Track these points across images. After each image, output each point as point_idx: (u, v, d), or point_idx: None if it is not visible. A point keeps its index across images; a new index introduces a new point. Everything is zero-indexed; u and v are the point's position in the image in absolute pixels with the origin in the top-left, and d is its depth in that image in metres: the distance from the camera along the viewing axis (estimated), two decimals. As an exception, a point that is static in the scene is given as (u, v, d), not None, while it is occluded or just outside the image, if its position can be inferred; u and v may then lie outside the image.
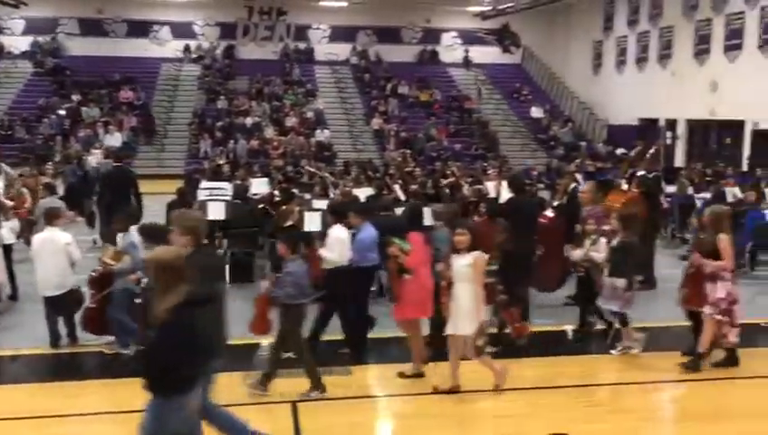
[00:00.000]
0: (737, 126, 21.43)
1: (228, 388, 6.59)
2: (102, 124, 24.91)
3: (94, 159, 19.38)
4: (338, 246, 7.38)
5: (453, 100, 29.49)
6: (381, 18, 31.17)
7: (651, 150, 11.47)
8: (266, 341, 7.67)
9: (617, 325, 7.59)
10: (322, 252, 7.40)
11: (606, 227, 7.91)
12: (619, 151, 23.04)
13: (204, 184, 14.09)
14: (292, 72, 30.05)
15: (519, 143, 27.57)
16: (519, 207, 8.97)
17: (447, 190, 13.36)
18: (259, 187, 13.31)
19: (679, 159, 23.69)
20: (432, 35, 32.26)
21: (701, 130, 23.77)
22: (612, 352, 7.52)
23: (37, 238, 7.83)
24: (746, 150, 20.90)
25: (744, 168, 19.70)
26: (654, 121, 25.25)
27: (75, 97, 26.57)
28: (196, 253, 4.97)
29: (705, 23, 22.71)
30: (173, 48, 30.33)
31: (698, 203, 12.81)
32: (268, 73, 29.55)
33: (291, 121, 26.73)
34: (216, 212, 10.91)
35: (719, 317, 6.84)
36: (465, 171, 16.73)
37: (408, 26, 31.98)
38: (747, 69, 20.69)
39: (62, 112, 25.53)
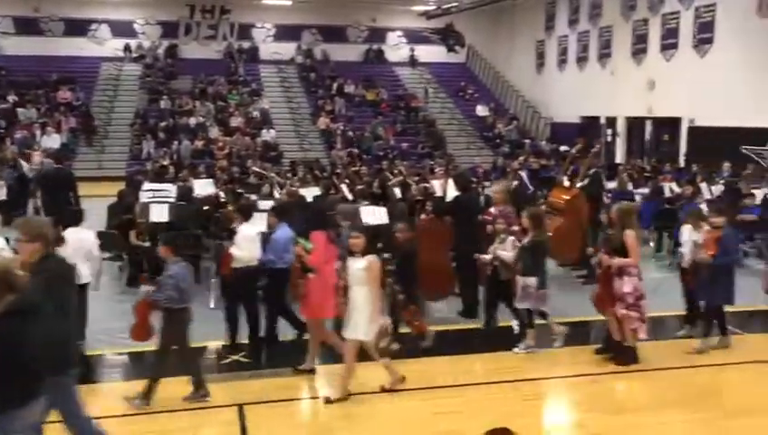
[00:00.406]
0: (674, 123, 22.09)
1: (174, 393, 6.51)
2: (40, 125, 24.18)
3: (38, 157, 18.68)
4: (247, 245, 7.39)
5: (399, 99, 29.60)
6: (326, 17, 31.08)
7: (594, 149, 11.72)
8: (215, 344, 7.60)
9: (542, 321, 7.68)
10: (232, 250, 7.43)
11: (515, 227, 8.05)
12: (562, 149, 23.48)
13: (146, 186, 13.79)
14: (236, 71, 29.70)
15: (465, 141, 27.86)
16: (464, 205, 9.09)
17: (395, 189, 13.41)
18: (203, 188, 13.11)
19: (619, 156, 24.29)
20: (378, 34, 32.32)
21: (639, 128, 24.43)
22: (515, 350, 7.54)
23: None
24: (683, 147, 21.57)
25: (681, 163, 20.33)
26: (595, 119, 25.82)
27: (11, 98, 25.70)
28: (46, 259, 4.71)
29: (642, 23, 23.34)
30: (113, 47, 29.61)
31: (638, 198, 13.15)
32: (212, 73, 29.13)
33: (236, 121, 26.42)
34: (160, 214, 10.68)
35: (624, 312, 6.96)
36: (412, 170, 16.81)
37: (354, 25, 31.97)
38: (683, 67, 21.34)
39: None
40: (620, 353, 7.14)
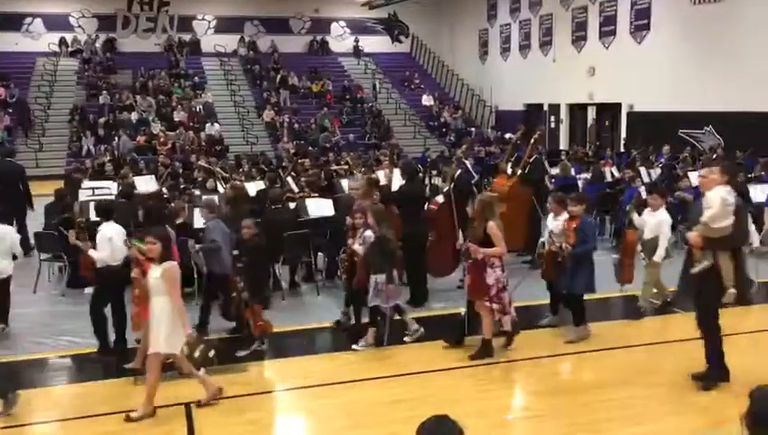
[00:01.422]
0: (614, 109, 22.58)
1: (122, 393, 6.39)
2: (-28, 124, 23.33)
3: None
4: (106, 245, 7.18)
5: (345, 90, 29.50)
6: (269, 8, 30.73)
7: (534, 135, 11.87)
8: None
9: (397, 317, 7.64)
10: (92, 253, 7.23)
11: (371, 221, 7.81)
12: (507, 136, 23.79)
13: (86, 184, 13.45)
14: (178, 64, 29.13)
15: (411, 131, 27.95)
16: (409, 194, 9.13)
17: (342, 181, 13.37)
18: (145, 184, 12.85)
19: (563, 142, 24.72)
20: (321, 25, 32.11)
21: (581, 114, 24.90)
22: (354, 347, 7.45)
23: None
24: (623, 132, 22.07)
25: (621, 148, 20.80)
26: (539, 106, 26.21)
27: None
28: None
29: (581, 10, 23.75)
30: (47, 41, 28.72)
31: (580, 183, 13.41)
32: (152, 66, 28.52)
33: (179, 116, 25.95)
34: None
35: (486, 304, 6.94)
36: (358, 161, 16.79)
37: (297, 16, 31.70)
38: (621, 54, 21.82)
39: (-75, 112, 23.73)
40: (479, 349, 7.10)
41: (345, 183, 12.32)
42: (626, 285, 8.78)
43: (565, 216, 7.61)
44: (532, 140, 11.66)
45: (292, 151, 19.98)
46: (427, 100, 29.79)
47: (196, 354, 5.82)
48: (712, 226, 5.95)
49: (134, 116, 25.62)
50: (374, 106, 28.75)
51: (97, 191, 12.43)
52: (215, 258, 7.90)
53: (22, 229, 11.59)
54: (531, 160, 11.25)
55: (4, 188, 12.08)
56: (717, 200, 5.90)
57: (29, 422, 5.93)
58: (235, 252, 7.71)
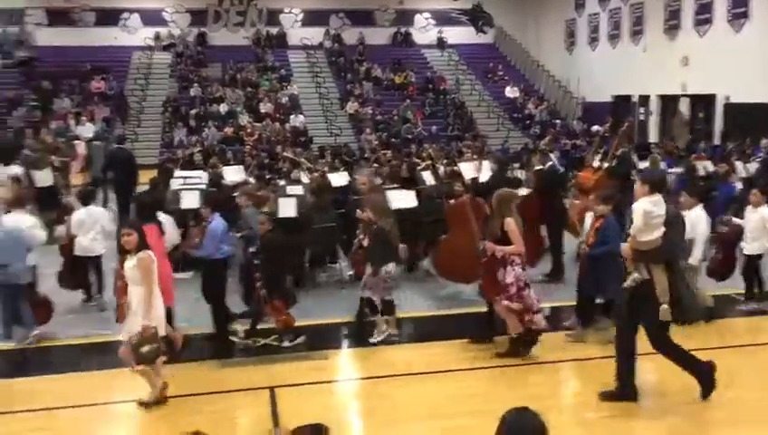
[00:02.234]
0: (709, 100, 21.64)
1: (207, 376, 6.64)
2: (74, 115, 24.57)
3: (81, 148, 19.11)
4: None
5: (428, 81, 29.44)
6: (354, 1, 30.98)
7: (622, 128, 11.55)
8: (241, 326, 7.71)
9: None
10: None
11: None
12: (594, 128, 23.18)
13: (177, 173, 13.97)
14: (265, 57, 29.81)
15: (494, 123, 27.63)
16: (499, 186, 9.05)
17: (424, 173, 13.37)
18: (233, 174, 13.23)
19: (653, 135, 23.89)
20: (405, 17, 32.12)
21: (673, 106, 23.98)
22: (371, 340, 7.43)
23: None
24: (719, 124, 21.13)
25: (717, 141, 19.93)
26: (627, 98, 25.41)
27: (45, 88, 26.15)
28: None
29: (675, -2, 22.85)
30: (143, 36, 29.93)
31: (670, 178, 12.94)
32: (241, 60, 29.28)
33: (265, 107, 26.56)
34: (191, 201, 10.81)
35: (506, 303, 6.74)
36: (440, 153, 16.75)
37: (381, 8, 31.82)
38: (717, 43, 20.86)
39: (33, 104, 25.14)
40: (509, 348, 6.96)
41: (426, 176, 12.33)
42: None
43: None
44: (621, 130, 11.34)
45: (375, 143, 20.15)
46: (510, 91, 29.36)
47: (144, 349, 5.73)
48: (638, 239, 5.64)
49: (223, 108, 26.39)
50: (457, 98, 28.58)
51: (187, 180, 12.91)
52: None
53: (125, 212, 12.33)
54: (618, 154, 10.95)
55: (116, 172, 13.67)
56: (639, 212, 5.59)
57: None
58: (252, 248, 7.76)
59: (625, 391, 5.89)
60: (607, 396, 5.95)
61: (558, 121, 26.88)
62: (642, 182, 5.75)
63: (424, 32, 32.22)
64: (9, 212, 8.06)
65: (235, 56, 29.30)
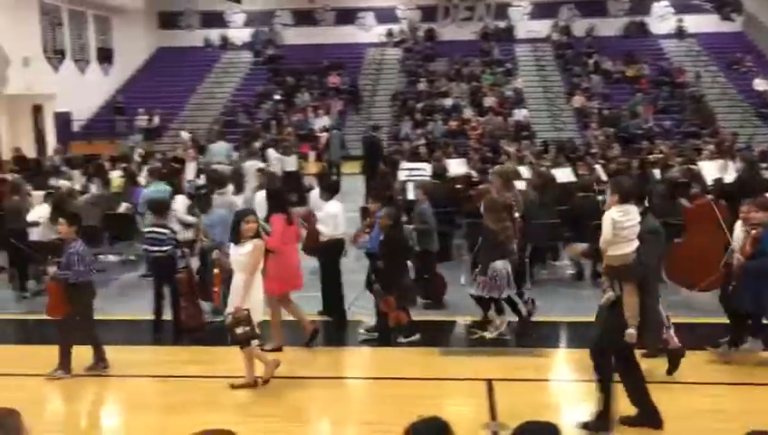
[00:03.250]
0: None
1: (423, 362, 6.89)
2: (312, 109, 26.55)
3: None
4: (331, 221, 7.91)
5: (663, 73, 27.63)
6: (586, -9, 30.00)
7: None
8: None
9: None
10: (319, 226, 8.00)
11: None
12: None
13: (403, 165, 14.55)
14: (491, 51, 29.90)
15: (737, 119, 25.22)
16: (749, 187, 8.35)
17: (655, 170, 12.65)
18: (457, 167, 13.49)
19: None
20: (641, 6, 30.39)
21: None
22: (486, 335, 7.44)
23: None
24: None
25: None
26: None
27: (289, 83, 28.57)
28: None
29: None
30: (377, 33, 31.46)
31: None
32: (467, 54, 29.66)
33: (489, 101, 26.67)
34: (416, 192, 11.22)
35: None
36: (674, 150, 15.71)
37: (615, -2, 30.45)
38: None
39: (277, 98, 27.58)
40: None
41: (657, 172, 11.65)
42: None
43: None
44: None
45: (602, 138, 19.37)
46: (760, 84, 26.60)
47: (238, 331, 6.07)
48: (608, 252, 5.21)
49: (448, 102, 26.93)
50: (696, 91, 26.51)
51: (413, 172, 13.41)
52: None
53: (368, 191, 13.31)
54: None
55: (366, 159, 15.56)
56: (606, 222, 5.16)
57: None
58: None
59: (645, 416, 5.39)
60: (629, 422, 5.44)
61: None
62: (611, 191, 5.34)
63: (661, 21, 30.26)
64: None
65: (462, 50, 29.73)
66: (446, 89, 27.73)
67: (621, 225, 5.17)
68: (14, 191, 10.56)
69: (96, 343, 6.89)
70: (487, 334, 7.51)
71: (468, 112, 26.01)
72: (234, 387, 6.34)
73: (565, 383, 6.70)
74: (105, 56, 28.79)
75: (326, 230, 7.97)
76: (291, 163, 15.13)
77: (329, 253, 8.04)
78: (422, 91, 27.80)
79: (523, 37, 30.59)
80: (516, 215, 7.87)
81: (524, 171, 13.03)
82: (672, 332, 6.37)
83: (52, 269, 6.96)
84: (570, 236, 9.65)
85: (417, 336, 7.45)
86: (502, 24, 30.85)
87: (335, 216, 7.99)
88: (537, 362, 6.89)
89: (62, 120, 25.48)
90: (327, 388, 6.53)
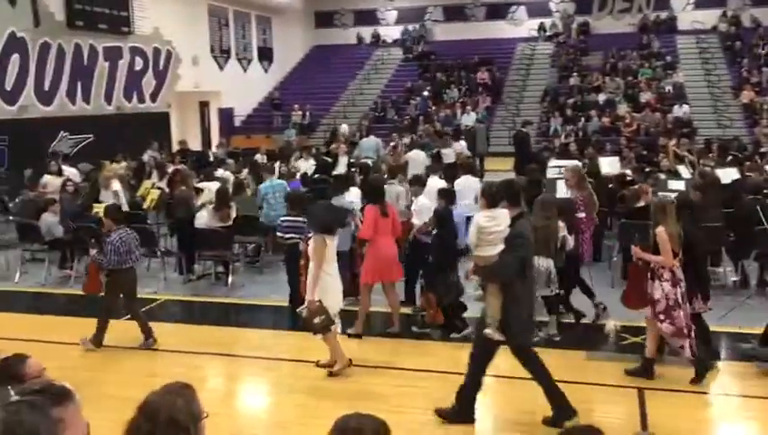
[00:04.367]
0: None
1: (575, 366, 6.72)
2: (460, 105, 26.54)
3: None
4: (425, 214, 8.09)
5: None
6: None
7: None
8: (611, 323, 7.61)
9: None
10: (414, 220, 8.26)
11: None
12: None
13: (552, 162, 14.20)
14: (650, 44, 28.44)
15: None
16: None
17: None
18: (610, 166, 12.99)
19: None
20: (823, -8, 27.75)
21: None
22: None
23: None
24: None
25: None
26: None
27: (439, 80, 28.73)
28: None
29: None
30: (528, 27, 30.88)
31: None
32: (623, 47, 28.41)
33: (646, 97, 25.41)
34: (564, 190, 10.93)
35: (651, 319, 6.26)
36: None
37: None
38: None
39: (426, 94, 27.82)
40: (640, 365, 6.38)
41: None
42: None
43: None
44: None
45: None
46: None
47: (316, 321, 6.39)
48: (476, 253, 5.50)
49: (601, 97, 25.96)
50: None
51: (562, 170, 13.06)
52: None
53: None
54: None
55: (517, 155, 16.21)
56: (473, 226, 5.46)
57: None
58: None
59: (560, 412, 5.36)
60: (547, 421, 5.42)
61: None
62: (481, 195, 5.58)
63: None
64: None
65: (617, 44, 28.54)
66: (600, 84, 26.75)
67: (488, 230, 5.39)
68: (182, 182, 11.45)
69: (138, 319, 7.56)
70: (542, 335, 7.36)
71: (623, 108, 24.94)
72: (319, 365, 6.74)
73: (725, 398, 6.28)
74: (265, 54, 30.34)
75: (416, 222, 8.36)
76: (449, 156, 15.31)
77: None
78: (573, 86, 27.00)
79: (686, 28, 28.86)
80: (581, 215, 8.25)
81: (683, 170, 12.38)
82: (688, 343, 6.13)
83: (92, 251, 7.73)
84: (734, 241, 9.03)
85: (469, 330, 7.30)
86: (662, 15, 29.27)
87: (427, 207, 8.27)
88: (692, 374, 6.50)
89: (226, 115, 27.19)
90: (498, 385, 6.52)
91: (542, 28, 30.59)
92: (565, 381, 6.28)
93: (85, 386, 4.09)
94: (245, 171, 13.58)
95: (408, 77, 29.70)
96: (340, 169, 15.69)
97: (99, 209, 10.34)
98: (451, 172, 11.03)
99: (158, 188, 12.70)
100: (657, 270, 6.20)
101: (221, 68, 27.05)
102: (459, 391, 5.56)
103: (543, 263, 7.12)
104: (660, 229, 6.16)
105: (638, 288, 6.41)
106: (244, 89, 27.79)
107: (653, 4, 29.58)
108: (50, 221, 10.48)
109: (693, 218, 6.78)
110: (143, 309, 8.00)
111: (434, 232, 7.78)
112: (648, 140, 19.94)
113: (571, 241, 7.49)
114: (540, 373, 5.46)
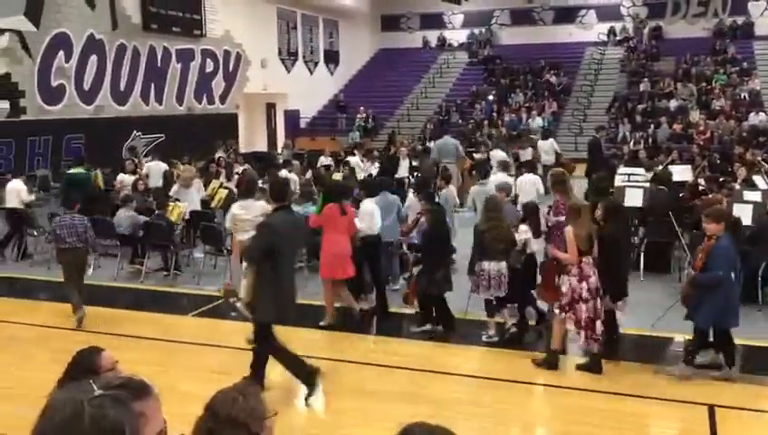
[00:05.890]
0: None
1: (644, 381, 6.56)
2: (526, 109, 26.23)
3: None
4: (367, 218, 8.21)
5: None
6: None
7: None
8: (680, 337, 7.39)
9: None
10: (356, 221, 8.17)
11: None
12: None
13: (621, 169, 13.91)
14: (725, 49, 27.52)
15: None
16: None
17: None
18: (681, 174, 12.63)
19: None
20: None
21: None
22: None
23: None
24: None
25: None
26: None
27: (504, 84, 28.47)
28: None
29: None
30: (597, 31, 30.31)
31: None
32: (696, 53, 27.58)
33: (720, 103, 24.59)
34: (634, 198, 10.69)
35: (556, 311, 6.59)
36: None
37: None
38: None
39: (491, 98, 27.60)
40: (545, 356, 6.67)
41: None
42: None
43: None
44: None
45: None
46: None
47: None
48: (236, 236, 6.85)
49: (673, 103, 25.26)
50: None
51: (631, 177, 12.77)
52: None
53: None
54: None
55: (589, 161, 16.18)
56: (229, 213, 7.28)
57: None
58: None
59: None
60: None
61: None
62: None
63: None
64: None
65: (691, 49, 27.73)
66: (671, 90, 26.03)
67: (240, 217, 7.34)
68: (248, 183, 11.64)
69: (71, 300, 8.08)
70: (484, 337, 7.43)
71: (695, 115, 24.21)
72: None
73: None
74: (331, 57, 30.67)
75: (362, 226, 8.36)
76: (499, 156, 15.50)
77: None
78: (644, 91, 26.35)
79: (764, 34, 27.80)
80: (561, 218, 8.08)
81: (759, 181, 11.92)
82: (584, 335, 6.40)
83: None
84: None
85: (428, 326, 7.64)
86: (739, 20, 28.28)
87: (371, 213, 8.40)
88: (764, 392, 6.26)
89: (292, 117, 27.61)
90: (550, 396, 6.46)
91: (611, 32, 29.97)
92: (630, 395, 6.14)
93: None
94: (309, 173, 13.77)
95: (473, 81, 29.54)
96: (402, 172, 15.73)
97: (171, 207, 10.62)
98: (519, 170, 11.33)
99: (226, 188, 12.97)
100: (565, 266, 6.52)
101: (288, 70, 27.48)
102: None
103: (489, 266, 7.22)
104: (568, 229, 6.51)
105: (552, 282, 6.81)
106: (309, 91, 28.16)
107: (729, 8, 28.60)
108: (124, 217, 10.83)
109: (624, 222, 7.33)
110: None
111: (422, 230, 8.14)
112: (721, 148, 19.28)
113: (534, 244, 7.67)
114: (274, 351, 5.92)
